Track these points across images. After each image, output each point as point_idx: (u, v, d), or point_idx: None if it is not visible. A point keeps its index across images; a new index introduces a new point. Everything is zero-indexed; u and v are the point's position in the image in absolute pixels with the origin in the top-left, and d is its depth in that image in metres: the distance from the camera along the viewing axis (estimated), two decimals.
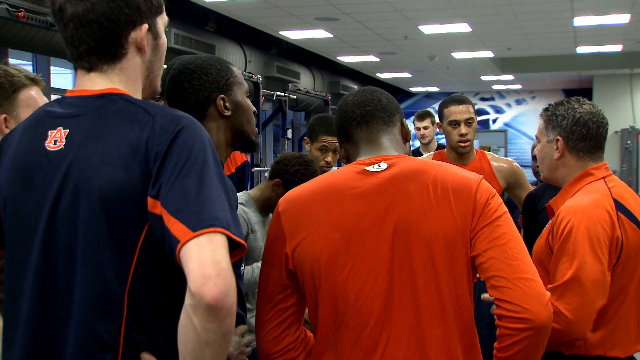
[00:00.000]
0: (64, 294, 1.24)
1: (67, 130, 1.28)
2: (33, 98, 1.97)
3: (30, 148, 1.30)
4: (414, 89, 15.48)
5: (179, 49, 6.91)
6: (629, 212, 1.97)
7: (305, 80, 10.70)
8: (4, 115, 1.93)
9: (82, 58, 1.31)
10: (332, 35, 9.01)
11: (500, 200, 1.55)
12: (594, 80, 13.20)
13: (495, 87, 15.14)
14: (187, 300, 1.11)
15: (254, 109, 1.79)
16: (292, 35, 9.05)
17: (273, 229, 1.60)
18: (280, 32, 8.92)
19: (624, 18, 8.19)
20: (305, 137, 3.17)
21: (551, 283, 1.85)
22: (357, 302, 1.50)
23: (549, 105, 2.18)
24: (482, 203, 1.50)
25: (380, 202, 1.52)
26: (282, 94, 8.77)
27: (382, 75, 13.28)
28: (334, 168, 3.10)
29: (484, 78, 13.48)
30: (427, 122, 5.35)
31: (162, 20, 1.37)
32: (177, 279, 1.22)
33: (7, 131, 1.92)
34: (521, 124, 15.54)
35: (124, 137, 1.23)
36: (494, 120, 15.91)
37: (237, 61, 8.38)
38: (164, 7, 1.37)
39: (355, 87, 12.52)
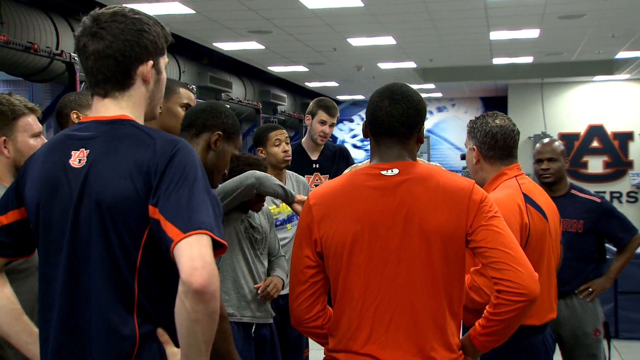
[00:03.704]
0: (88, 280, 1.50)
1: (88, 150, 1.55)
2: (29, 124, 2.25)
3: (56, 165, 1.56)
4: (340, 97, 15.91)
5: None
6: (536, 203, 2.42)
7: (237, 90, 10.93)
8: (3, 138, 2.20)
9: (98, 85, 1.59)
10: (264, 47, 9.30)
11: (491, 201, 1.91)
12: (509, 88, 13.93)
13: None
14: (180, 287, 1.37)
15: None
16: (225, 46, 9.29)
17: (305, 218, 1.93)
18: (214, 44, 9.13)
19: (534, 33, 8.86)
20: (258, 148, 3.52)
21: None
22: (369, 281, 1.85)
23: (474, 118, 2.60)
24: (476, 205, 1.85)
25: (392, 201, 1.86)
26: None
27: (311, 85, 13.64)
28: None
29: None
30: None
31: (164, 60, 1.66)
32: (174, 270, 1.48)
33: (5, 152, 2.19)
34: (442, 130, 16.17)
35: (131, 156, 1.50)
36: None
37: (172, 72, 8.55)
38: (166, 50, 1.66)
39: (285, 95, 12.84)
